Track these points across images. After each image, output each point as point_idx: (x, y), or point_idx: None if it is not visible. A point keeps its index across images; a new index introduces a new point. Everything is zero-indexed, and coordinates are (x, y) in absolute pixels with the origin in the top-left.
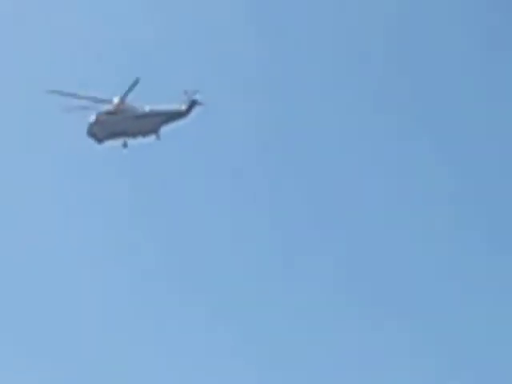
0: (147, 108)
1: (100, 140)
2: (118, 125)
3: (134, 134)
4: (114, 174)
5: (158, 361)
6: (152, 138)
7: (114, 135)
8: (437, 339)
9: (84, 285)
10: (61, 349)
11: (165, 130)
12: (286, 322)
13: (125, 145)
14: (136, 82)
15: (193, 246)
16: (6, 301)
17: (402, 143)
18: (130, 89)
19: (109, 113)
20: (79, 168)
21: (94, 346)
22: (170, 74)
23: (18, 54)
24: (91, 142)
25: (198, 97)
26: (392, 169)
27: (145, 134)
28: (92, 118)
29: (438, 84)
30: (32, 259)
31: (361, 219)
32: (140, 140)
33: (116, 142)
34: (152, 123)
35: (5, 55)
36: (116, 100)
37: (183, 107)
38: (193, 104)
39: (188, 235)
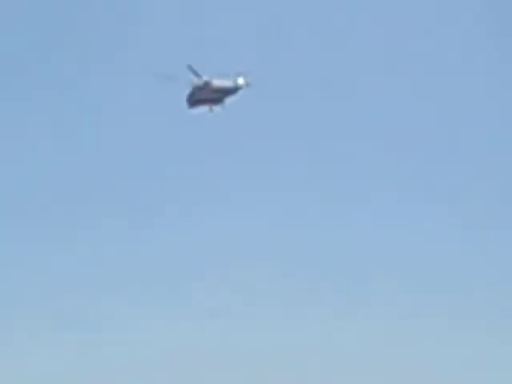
0: (216, 84)
1: (192, 105)
2: (204, 95)
3: (211, 103)
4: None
5: None
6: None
7: (200, 103)
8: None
9: None
10: None
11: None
12: None
13: (211, 110)
14: (193, 69)
15: None
16: None
17: None
18: (196, 73)
19: (199, 87)
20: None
21: None
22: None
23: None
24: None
25: (243, 78)
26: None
27: (216, 103)
28: (190, 89)
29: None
30: None
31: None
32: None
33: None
34: (220, 96)
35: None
36: (204, 78)
37: (233, 86)
38: (239, 85)
39: None
